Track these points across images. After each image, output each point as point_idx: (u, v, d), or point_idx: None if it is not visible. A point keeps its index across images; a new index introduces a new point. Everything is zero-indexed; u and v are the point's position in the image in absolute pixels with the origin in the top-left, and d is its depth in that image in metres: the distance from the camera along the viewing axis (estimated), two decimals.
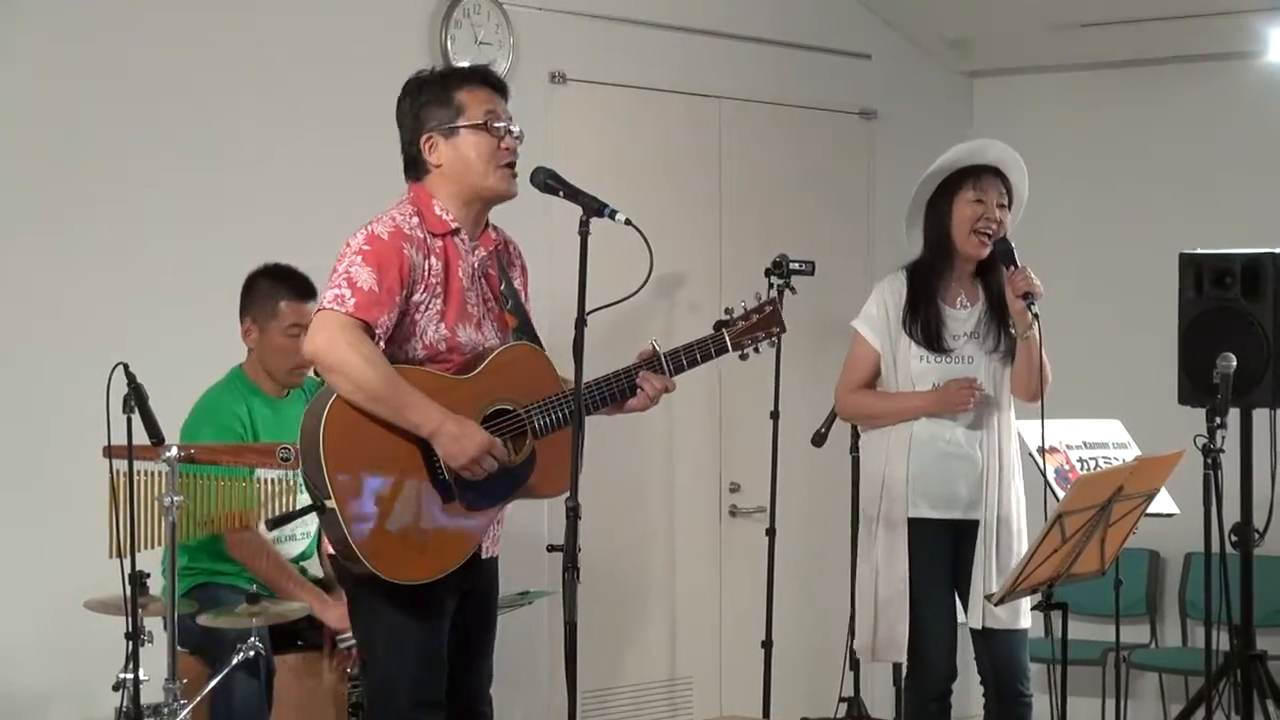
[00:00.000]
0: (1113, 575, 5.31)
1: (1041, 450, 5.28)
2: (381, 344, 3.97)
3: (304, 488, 4.14)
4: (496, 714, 4.34)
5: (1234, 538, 5.74)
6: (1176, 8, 6.93)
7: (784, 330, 4.42)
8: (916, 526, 5.21)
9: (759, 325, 4.36)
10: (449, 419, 3.95)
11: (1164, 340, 6.17)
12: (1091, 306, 7.29)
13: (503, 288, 4.22)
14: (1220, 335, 5.82)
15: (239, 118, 5.71)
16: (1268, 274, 5.94)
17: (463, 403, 4.00)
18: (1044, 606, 4.72)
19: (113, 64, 5.47)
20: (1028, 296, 5.07)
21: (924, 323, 5.24)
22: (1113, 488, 4.56)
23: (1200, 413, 5.44)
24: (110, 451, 4.52)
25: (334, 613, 5.04)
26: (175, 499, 4.52)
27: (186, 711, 4.58)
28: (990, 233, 5.21)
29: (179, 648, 4.62)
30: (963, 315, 5.28)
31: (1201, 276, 6.04)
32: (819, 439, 6.10)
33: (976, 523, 5.21)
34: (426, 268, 4.05)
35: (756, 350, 4.38)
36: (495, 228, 4.25)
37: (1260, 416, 5.98)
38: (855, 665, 6.27)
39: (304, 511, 4.14)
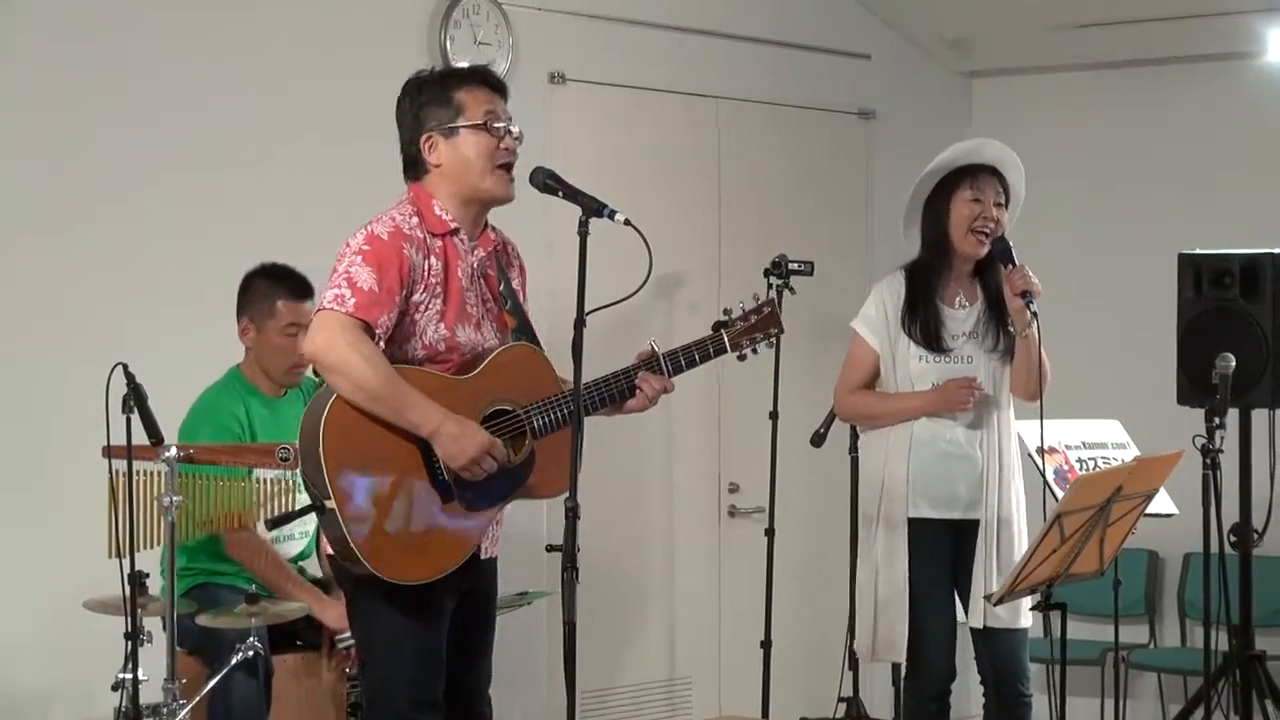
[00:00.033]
0: (1111, 575, 5.30)
1: (1040, 450, 5.28)
2: (381, 344, 3.97)
3: (303, 488, 4.14)
4: (495, 714, 4.34)
5: (1233, 538, 5.75)
6: (1176, 8, 6.93)
7: (782, 331, 4.43)
8: (916, 526, 5.22)
9: (757, 326, 4.36)
10: (449, 419, 3.95)
11: (1163, 340, 6.17)
12: (1090, 307, 7.29)
13: (501, 288, 4.22)
14: (1219, 335, 5.83)
15: (239, 118, 5.71)
16: (1266, 274, 5.95)
17: (462, 403, 4.00)
18: (1043, 606, 4.72)
19: (113, 64, 5.47)
20: (1026, 295, 5.08)
21: (923, 323, 5.24)
22: (1112, 488, 4.57)
23: (1199, 413, 5.44)
24: (109, 451, 4.52)
25: (332, 612, 5.04)
26: (174, 499, 4.52)
27: (185, 711, 4.58)
28: (988, 232, 5.21)
29: (178, 648, 4.62)
30: (961, 315, 5.29)
31: (1200, 277, 6.05)
32: (818, 439, 6.10)
33: (976, 522, 5.21)
34: (426, 268, 4.05)
35: (755, 351, 4.38)
36: (494, 228, 4.25)
37: (1259, 417, 5.99)
38: (854, 665, 6.28)
39: (303, 512, 4.15)
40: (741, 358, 4.39)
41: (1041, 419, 5.07)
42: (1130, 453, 5.60)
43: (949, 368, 5.24)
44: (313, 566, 5.31)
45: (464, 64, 5.64)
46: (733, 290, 5.68)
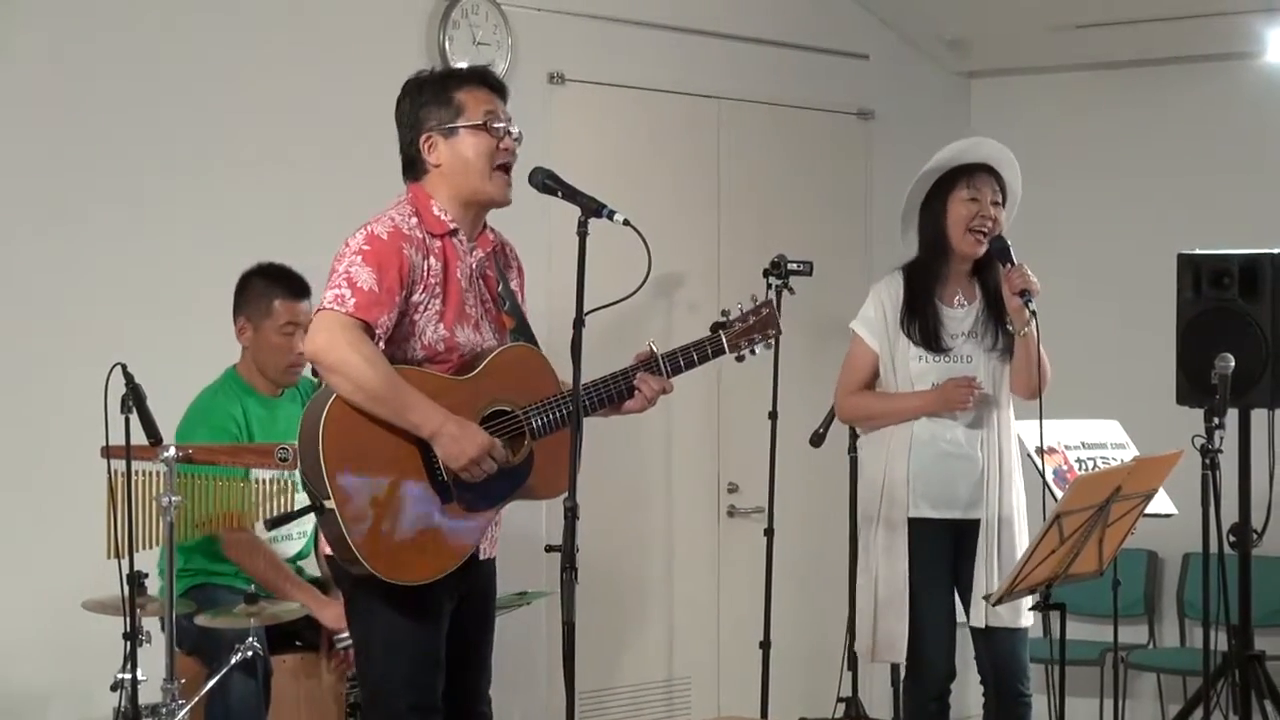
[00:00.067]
0: (1111, 575, 5.30)
1: (1040, 451, 5.28)
2: (381, 344, 3.97)
3: (302, 488, 4.14)
4: (495, 714, 4.34)
5: (1232, 538, 5.75)
6: (1175, 8, 6.93)
7: (780, 332, 4.43)
8: (917, 526, 5.22)
9: (755, 327, 4.36)
10: (449, 420, 3.95)
11: (1162, 340, 6.18)
12: (1090, 307, 7.29)
13: (500, 289, 4.22)
14: (1218, 336, 5.83)
15: (239, 118, 5.71)
16: (1266, 274, 5.95)
17: (461, 404, 4.00)
18: (1042, 607, 4.72)
19: (113, 64, 5.47)
20: (1025, 293, 5.08)
21: (922, 323, 5.24)
22: (1111, 488, 4.57)
23: (1198, 413, 5.44)
24: (108, 451, 4.52)
25: (330, 612, 5.04)
26: (173, 499, 4.52)
27: (184, 712, 4.59)
28: (985, 230, 5.21)
29: (176, 648, 4.62)
30: (960, 314, 5.29)
31: (1200, 277, 6.05)
32: (817, 439, 6.11)
33: (977, 522, 5.21)
34: (426, 268, 4.05)
35: (753, 352, 4.38)
36: (492, 229, 4.25)
37: (1258, 417, 5.99)
38: (853, 665, 6.28)
39: (303, 512, 4.14)
40: (740, 359, 4.39)
41: (1041, 419, 5.07)
42: (1129, 453, 5.60)
43: (949, 367, 5.24)
44: (311, 566, 5.31)
45: (463, 64, 5.66)
46: (732, 290, 5.69)
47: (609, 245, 4.12)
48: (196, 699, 4.74)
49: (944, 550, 5.24)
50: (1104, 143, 7.59)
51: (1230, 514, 5.66)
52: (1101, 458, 5.58)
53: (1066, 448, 5.56)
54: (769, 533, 6.24)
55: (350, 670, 5.05)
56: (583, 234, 3.88)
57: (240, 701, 4.86)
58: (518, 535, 4.65)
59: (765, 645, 6.23)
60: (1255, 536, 5.89)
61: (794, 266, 6.13)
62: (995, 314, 5.26)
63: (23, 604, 5.24)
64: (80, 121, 5.41)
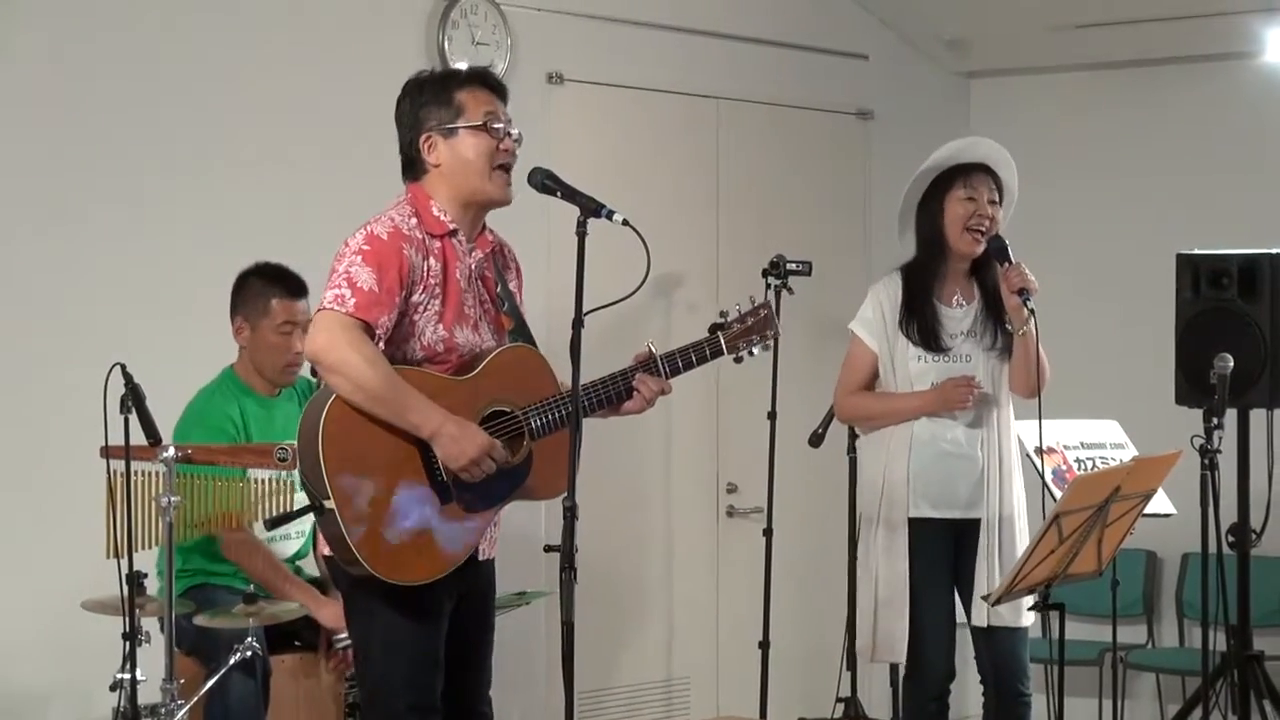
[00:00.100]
0: (1110, 576, 5.30)
1: (1039, 451, 5.28)
2: (381, 344, 3.97)
3: (301, 488, 4.14)
4: (494, 714, 4.34)
5: (1231, 538, 5.76)
6: (1174, 8, 6.93)
7: (778, 334, 4.43)
8: (917, 526, 5.22)
9: (754, 329, 4.36)
10: (449, 420, 3.95)
11: (1161, 340, 6.18)
12: (1089, 306, 7.29)
13: (499, 290, 4.22)
14: (1217, 336, 5.83)
15: (239, 118, 5.71)
16: (1265, 274, 5.96)
17: (460, 404, 4.00)
18: (1041, 607, 4.72)
19: (113, 64, 5.47)
20: (1023, 292, 5.08)
21: (920, 323, 5.25)
22: (1110, 488, 4.57)
23: (1197, 413, 5.43)
24: (108, 452, 4.52)
25: (329, 612, 5.04)
26: (172, 499, 4.52)
27: (183, 712, 4.58)
28: (983, 230, 5.21)
29: (176, 648, 4.61)
30: (959, 314, 5.29)
31: (1199, 277, 6.06)
32: (816, 439, 6.11)
33: (977, 522, 5.21)
34: (425, 268, 4.06)
35: (751, 353, 4.38)
36: (491, 230, 4.25)
37: (1257, 417, 5.99)
38: (852, 665, 6.28)
39: (302, 512, 4.14)
40: (738, 360, 4.39)
41: (1040, 419, 5.08)
42: (1128, 453, 5.61)
43: (948, 367, 5.24)
44: (309, 566, 5.31)
45: (462, 64, 5.66)
46: (731, 290, 5.69)
47: (608, 245, 4.12)
48: (195, 699, 4.74)
49: (944, 550, 5.24)
50: (1103, 143, 7.59)
51: (1229, 514, 5.67)
52: (1100, 458, 5.58)
53: (1065, 448, 5.57)
54: (768, 533, 6.24)
55: (349, 670, 5.06)
56: (582, 234, 3.88)
57: (239, 701, 4.86)
58: (517, 535, 4.65)
59: (764, 645, 6.23)
60: (1254, 536, 5.89)
61: (793, 267, 6.13)
62: (994, 313, 5.27)
63: (22, 604, 5.24)
64: (80, 121, 5.41)
